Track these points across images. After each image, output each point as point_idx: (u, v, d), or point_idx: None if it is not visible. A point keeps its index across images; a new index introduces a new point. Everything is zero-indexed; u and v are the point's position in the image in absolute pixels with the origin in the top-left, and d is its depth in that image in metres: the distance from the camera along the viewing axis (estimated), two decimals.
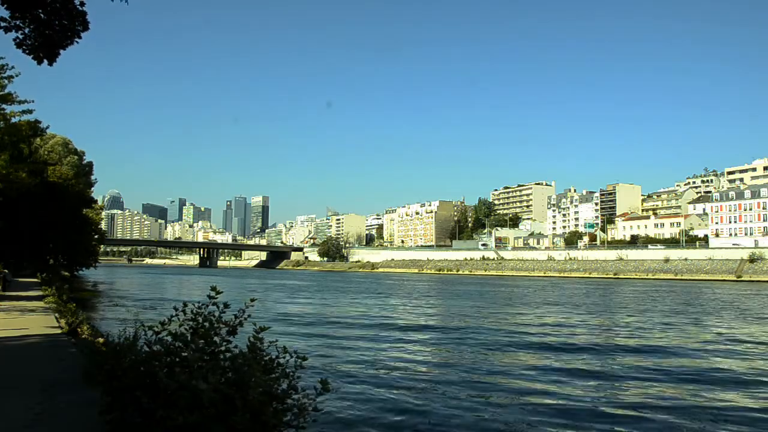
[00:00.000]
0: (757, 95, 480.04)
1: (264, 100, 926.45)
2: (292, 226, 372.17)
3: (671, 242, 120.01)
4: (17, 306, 19.04)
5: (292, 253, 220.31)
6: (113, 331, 11.45)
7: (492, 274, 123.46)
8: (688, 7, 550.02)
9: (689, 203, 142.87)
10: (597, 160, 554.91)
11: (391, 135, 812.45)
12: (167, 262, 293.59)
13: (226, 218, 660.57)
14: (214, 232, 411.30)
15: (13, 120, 30.78)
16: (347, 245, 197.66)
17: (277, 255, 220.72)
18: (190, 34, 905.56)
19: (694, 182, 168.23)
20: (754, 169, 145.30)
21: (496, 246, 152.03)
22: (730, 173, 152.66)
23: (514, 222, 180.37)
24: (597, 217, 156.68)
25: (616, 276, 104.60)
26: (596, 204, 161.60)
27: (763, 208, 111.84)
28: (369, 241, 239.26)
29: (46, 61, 8.36)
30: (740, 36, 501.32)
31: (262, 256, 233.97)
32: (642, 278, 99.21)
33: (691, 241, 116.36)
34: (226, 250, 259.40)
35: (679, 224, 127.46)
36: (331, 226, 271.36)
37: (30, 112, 30.97)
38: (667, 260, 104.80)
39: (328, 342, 21.26)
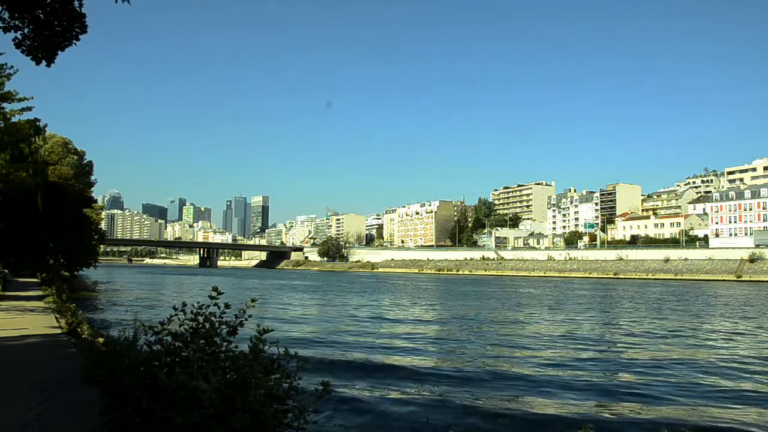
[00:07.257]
0: (757, 95, 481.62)
1: (264, 100, 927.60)
2: (292, 226, 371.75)
3: (671, 242, 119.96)
4: (17, 306, 18.99)
5: (292, 253, 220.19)
6: (113, 331, 11.46)
7: (492, 274, 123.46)
8: (689, 7, 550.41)
9: (689, 203, 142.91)
10: (597, 160, 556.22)
11: (391, 135, 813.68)
12: (167, 262, 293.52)
13: (226, 218, 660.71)
14: (214, 232, 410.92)
15: (13, 119, 30.67)
16: (347, 245, 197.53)
17: (277, 255, 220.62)
18: (190, 34, 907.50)
19: (694, 182, 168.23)
20: (754, 169, 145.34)
21: (495, 246, 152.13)
22: (730, 173, 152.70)
23: (514, 222, 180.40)
24: (597, 217, 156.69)
25: (616, 276, 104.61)
26: (596, 204, 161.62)
27: (763, 208, 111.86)
28: (369, 241, 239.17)
29: (44, 62, 8.35)
30: (740, 36, 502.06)
31: (262, 256, 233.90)
32: (642, 278, 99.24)
33: (691, 241, 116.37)
34: (226, 250, 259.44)
35: (679, 224, 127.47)
36: (331, 226, 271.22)
37: (29, 109, 30.86)
38: (667, 260, 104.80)
39: (328, 343, 21.23)
